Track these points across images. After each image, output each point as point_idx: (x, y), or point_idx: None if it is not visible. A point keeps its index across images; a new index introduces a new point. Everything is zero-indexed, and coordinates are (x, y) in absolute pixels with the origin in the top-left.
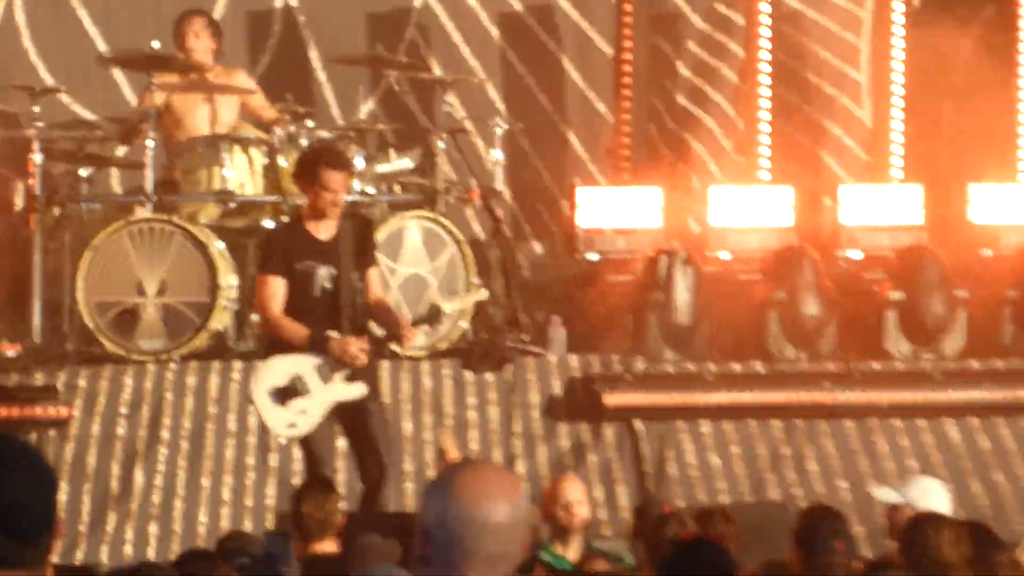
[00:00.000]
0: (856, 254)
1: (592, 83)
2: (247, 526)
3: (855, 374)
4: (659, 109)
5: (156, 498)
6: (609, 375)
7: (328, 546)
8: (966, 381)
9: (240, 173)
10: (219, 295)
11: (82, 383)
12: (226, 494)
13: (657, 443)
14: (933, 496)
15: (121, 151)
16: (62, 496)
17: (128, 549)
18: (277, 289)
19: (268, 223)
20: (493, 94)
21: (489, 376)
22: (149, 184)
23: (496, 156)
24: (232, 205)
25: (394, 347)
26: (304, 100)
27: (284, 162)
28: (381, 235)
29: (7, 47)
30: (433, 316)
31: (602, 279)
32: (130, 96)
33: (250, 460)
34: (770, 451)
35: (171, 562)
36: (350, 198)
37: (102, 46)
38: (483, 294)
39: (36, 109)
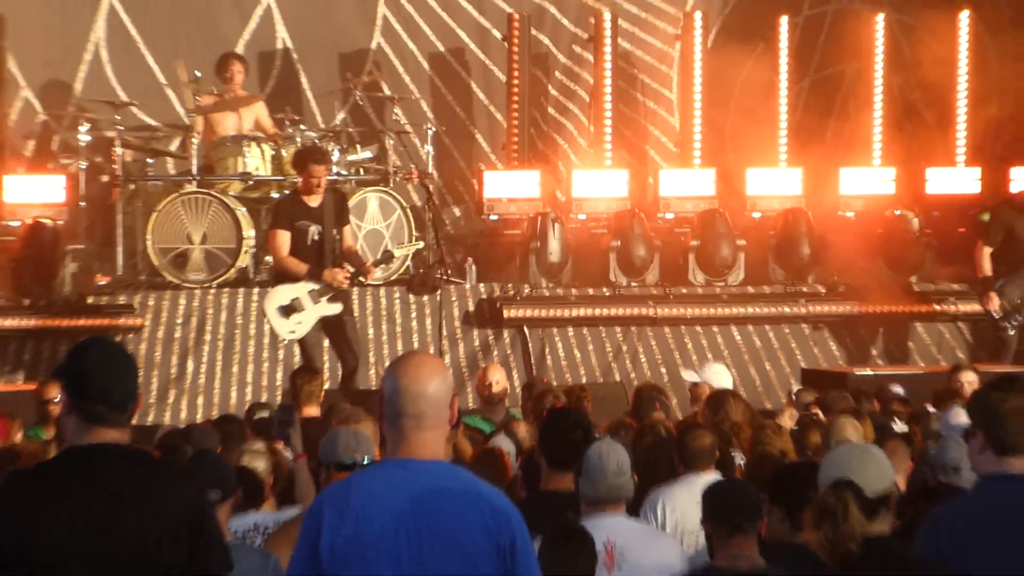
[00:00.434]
0: (670, 216)
1: (492, 100)
2: (264, 398)
3: (670, 296)
4: (537, 117)
5: (201, 380)
6: (506, 297)
7: (313, 411)
8: (744, 301)
9: (256, 161)
10: (243, 243)
11: (150, 302)
12: (249, 377)
13: (539, 342)
14: (722, 377)
15: (174, 146)
16: (139, 379)
17: (182, 415)
18: (284, 239)
19: (275, 195)
20: (425, 107)
21: (425, 298)
22: (194, 168)
23: (428, 149)
24: (251, 183)
25: (361, 279)
26: (297, 111)
27: (285, 154)
28: (351, 203)
29: (96, 75)
30: (386, 258)
31: (500, 233)
32: (179, 107)
33: (265, 354)
34: (613, 348)
35: (211, 421)
36: (331, 178)
37: (160, 74)
38: (420, 244)
39: (117, 117)
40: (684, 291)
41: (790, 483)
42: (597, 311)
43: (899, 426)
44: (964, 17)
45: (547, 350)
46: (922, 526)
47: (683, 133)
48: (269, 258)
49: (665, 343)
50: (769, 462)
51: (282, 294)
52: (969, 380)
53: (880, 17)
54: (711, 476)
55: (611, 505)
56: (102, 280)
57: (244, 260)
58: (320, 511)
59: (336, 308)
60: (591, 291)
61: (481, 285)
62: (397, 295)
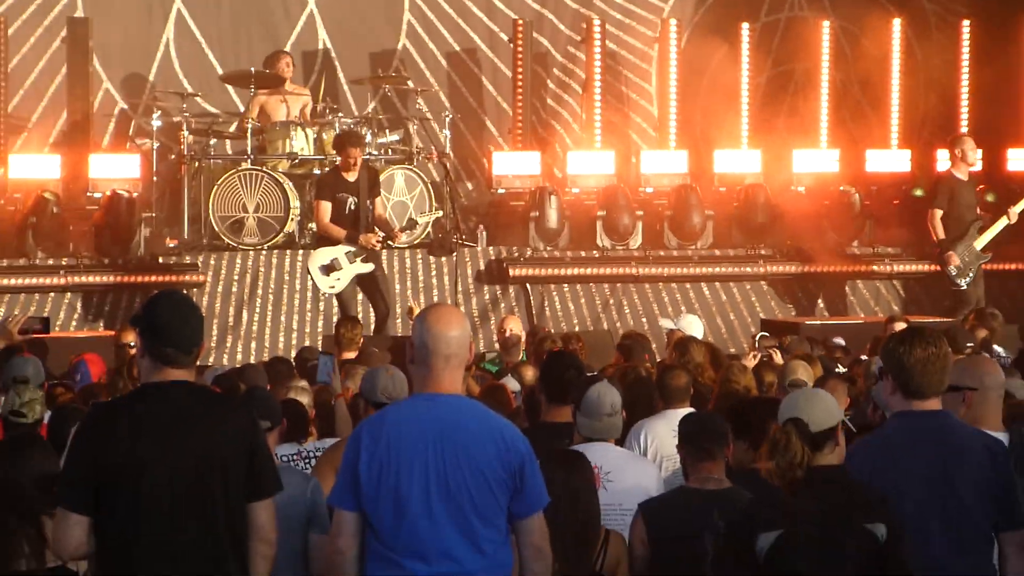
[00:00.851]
0: (650, 190)
1: (499, 92)
2: (307, 343)
3: (650, 258)
4: (537, 106)
5: (254, 328)
6: (511, 258)
7: (351, 355)
8: (712, 262)
9: (301, 143)
10: (290, 212)
11: (211, 262)
12: (295, 325)
13: (539, 297)
14: (694, 326)
15: (231, 129)
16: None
17: (238, 357)
18: (326, 209)
19: (317, 172)
20: (443, 98)
21: (443, 259)
22: (249, 148)
23: (446, 134)
24: (297, 161)
25: (389, 243)
26: (335, 101)
27: (326, 137)
28: (382, 178)
29: (166, 69)
30: (411, 225)
31: (506, 204)
32: (236, 98)
33: (308, 306)
34: (602, 302)
35: (262, 363)
36: (364, 157)
37: (219, 68)
38: (439, 213)
39: (184, 105)
40: (661, 253)
41: (750, 417)
42: (588, 270)
43: (840, 370)
44: (896, 24)
45: (546, 303)
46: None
47: (660, 120)
48: (312, 225)
49: (646, 297)
50: (735, 397)
51: (323, 255)
52: (901, 329)
53: (826, 24)
54: (687, 410)
55: (602, 441)
56: (171, 243)
57: (291, 226)
58: (360, 437)
59: (369, 267)
60: (583, 253)
61: (490, 248)
62: (419, 256)
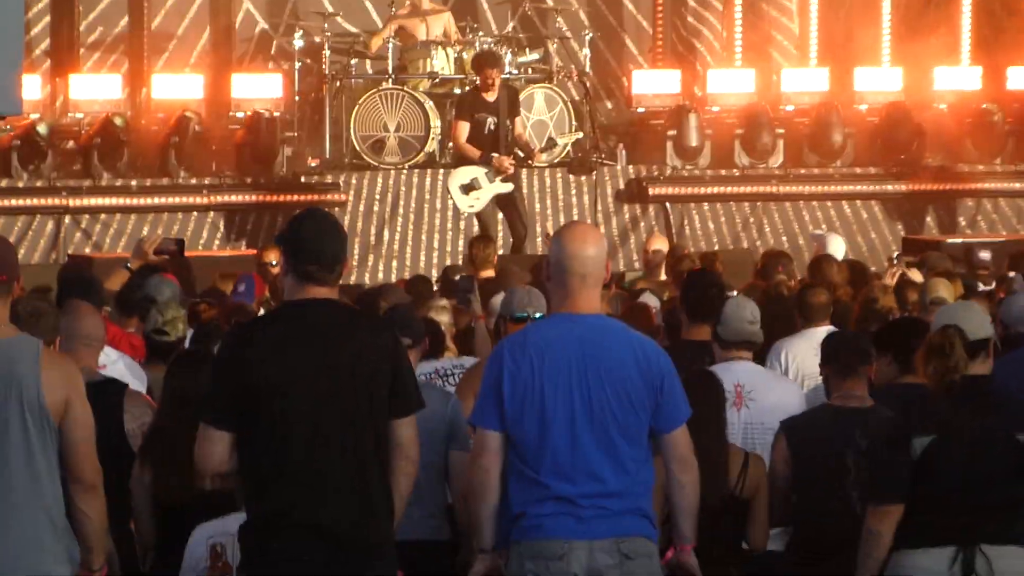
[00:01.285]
0: (790, 107)
1: (639, 9)
2: (447, 262)
3: (790, 176)
4: (678, 25)
5: (395, 247)
6: (651, 177)
7: (488, 273)
8: (852, 180)
9: (442, 63)
10: (430, 132)
11: (353, 181)
12: (436, 244)
13: (679, 215)
14: (837, 244)
15: (373, 49)
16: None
17: (379, 276)
18: (463, 129)
19: (457, 91)
20: (583, 16)
21: (583, 179)
22: (390, 68)
23: (585, 52)
24: (437, 80)
25: (528, 162)
26: (476, 20)
27: (466, 56)
28: (521, 97)
29: None
30: (550, 145)
31: (646, 123)
32: (377, 17)
33: (449, 225)
34: (742, 220)
35: (403, 281)
36: (504, 76)
37: None
38: (579, 133)
39: (325, 25)
40: (802, 172)
41: (893, 335)
42: (728, 189)
43: (983, 287)
44: None
45: (686, 222)
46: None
47: (801, 38)
48: (452, 144)
49: (786, 216)
50: (877, 315)
51: (463, 174)
52: None
53: None
54: (827, 328)
55: (743, 349)
56: (313, 162)
57: (431, 146)
58: (501, 356)
59: (508, 186)
60: (723, 172)
61: (630, 167)
62: (559, 176)
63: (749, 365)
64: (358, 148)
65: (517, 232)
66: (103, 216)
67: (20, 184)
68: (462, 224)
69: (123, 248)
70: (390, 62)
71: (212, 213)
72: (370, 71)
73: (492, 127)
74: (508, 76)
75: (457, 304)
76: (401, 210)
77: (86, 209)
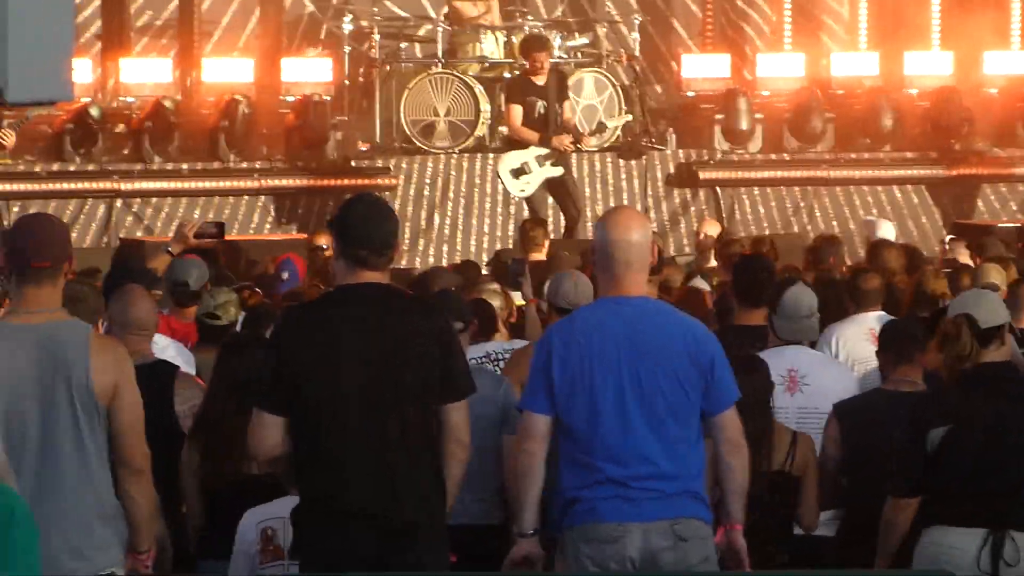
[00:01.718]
0: (840, 91)
1: None
2: (498, 247)
3: (841, 160)
4: (727, 8)
5: (446, 231)
6: (701, 161)
7: (538, 255)
8: (904, 164)
9: (491, 47)
10: (480, 116)
11: (403, 165)
12: (486, 228)
13: (729, 200)
14: (888, 230)
15: (422, 32)
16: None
17: (430, 260)
18: (517, 112)
19: (507, 75)
20: (632, 1)
21: (633, 163)
22: (440, 52)
23: (635, 36)
24: (487, 65)
25: (577, 147)
26: (524, 4)
27: (515, 40)
28: (570, 82)
29: None
30: (600, 129)
31: (696, 107)
32: (425, 1)
33: (499, 209)
34: (792, 205)
35: (453, 266)
36: (553, 60)
37: None
38: (628, 117)
39: (375, 9)
40: (853, 156)
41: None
42: (778, 173)
43: None
44: None
45: (736, 207)
46: None
47: (851, 22)
48: (503, 128)
49: (837, 200)
50: (929, 301)
51: (513, 158)
52: None
53: None
54: (878, 314)
55: (798, 340)
56: (363, 146)
57: (481, 130)
58: (550, 341)
59: (559, 170)
60: (773, 156)
61: (680, 151)
62: (609, 160)
63: (803, 350)
64: (408, 132)
65: (570, 215)
66: (154, 200)
67: (72, 168)
68: (512, 208)
69: (174, 232)
70: (439, 46)
71: (263, 197)
72: (419, 55)
73: (542, 111)
74: (557, 60)
75: (507, 287)
76: (451, 194)
77: (137, 193)
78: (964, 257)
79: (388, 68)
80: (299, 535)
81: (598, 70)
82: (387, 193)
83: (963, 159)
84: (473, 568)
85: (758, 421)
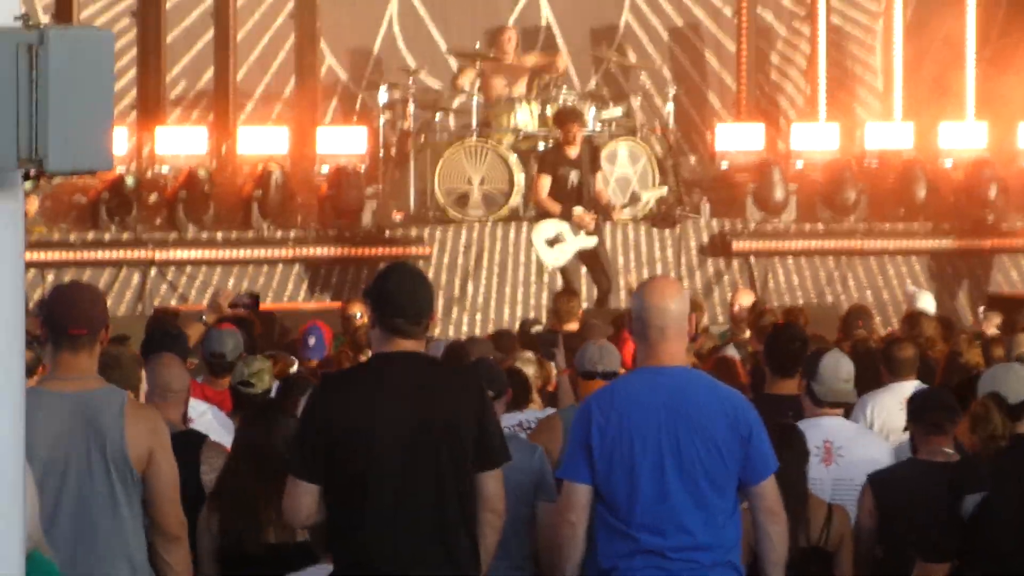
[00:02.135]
0: (874, 161)
1: (723, 66)
2: (531, 315)
3: (875, 231)
4: (760, 81)
5: (480, 299)
6: (735, 231)
7: (572, 327)
8: (938, 234)
9: (526, 118)
10: (514, 186)
11: (437, 234)
12: (520, 298)
13: (762, 270)
14: (926, 300)
15: (456, 104)
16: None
17: (464, 329)
18: (545, 183)
19: (541, 145)
20: (666, 72)
21: (667, 232)
22: (474, 122)
23: (669, 107)
24: (521, 136)
25: (610, 219)
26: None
27: (549, 111)
28: (604, 153)
29: (389, 46)
30: (634, 199)
31: (730, 177)
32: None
33: (532, 278)
34: (826, 275)
35: (489, 335)
36: (587, 133)
37: (442, 43)
38: (664, 189)
39: (410, 81)
40: (887, 226)
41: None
42: (812, 243)
43: None
44: None
45: (770, 276)
46: None
47: (885, 93)
48: (533, 198)
49: (870, 270)
50: (963, 371)
51: (547, 227)
52: None
53: None
54: (913, 383)
55: (834, 407)
56: (397, 216)
57: (515, 200)
58: (589, 411)
59: (593, 240)
60: (807, 226)
61: (714, 221)
62: (643, 229)
63: (839, 421)
64: (442, 202)
65: (601, 286)
66: (189, 268)
67: (107, 236)
68: (546, 278)
69: (208, 300)
70: (474, 117)
71: (297, 266)
72: (453, 126)
73: (575, 182)
74: (592, 132)
75: (541, 357)
76: (485, 263)
77: (172, 262)
78: (996, 328)
79: (423, 138)
80: None
81: (633, 140)
82: (421, 262)
83: (997, 230)
84: None
85: (794, 493)
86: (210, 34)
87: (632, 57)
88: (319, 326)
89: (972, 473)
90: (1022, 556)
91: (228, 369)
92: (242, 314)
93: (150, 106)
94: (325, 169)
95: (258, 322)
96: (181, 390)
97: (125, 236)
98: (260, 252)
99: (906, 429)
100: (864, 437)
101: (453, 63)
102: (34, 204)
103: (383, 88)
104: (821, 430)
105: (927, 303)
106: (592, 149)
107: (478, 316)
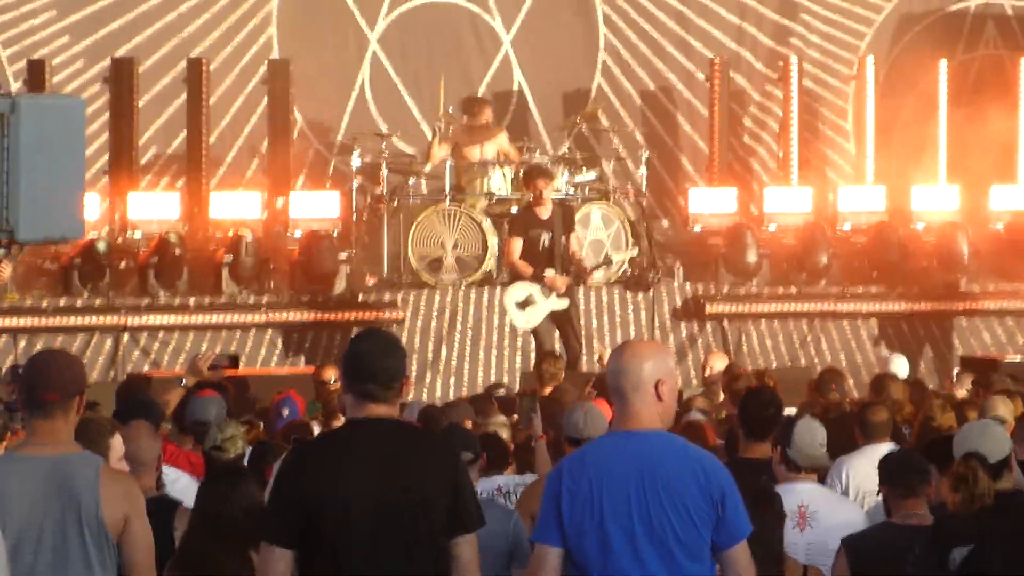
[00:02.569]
0: (847, 226)
1: (695, 130)
2: (505, 379)
3: (847, 294)
4: (733, 144)
5: (453, 363)
6: (708, 295)
7: (548, 390)
8: (911, 298)
9: (499, 182)
10: (487, 250)
11: (411, 298)
12: (493, 361)
13: (736, 333)
14: (900, 365)
15: (428, 169)
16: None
17: (438, 393)
18: (516, 246)
19: (514, 209)
20: (638, 136)
21: (640, 295)
22: (447, 187)
23: (642, 171)
24: (494, 200)
25: (584, 281)
26: (531, 141)
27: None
28: (577, 216)
29: (362, 112)
30: (607, 262)
31: (703, 241)
32: (431, 137)
33: (506, 341)
34: (799, 338)
35: (465, 399)
36: (560, 196)
37: (414, 108)
38: (635, 251)
39: (383, 145)
40: (860, 290)
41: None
42: (785, 307)
43: None
44: None
45: (743, 340)
46: None
47: (858, 157)
48: (504, 261)
49: (844, 334)
50: (935, 433)
51: (518, 290)
52: None
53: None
54: (887, 446)
55: (809, 472)
56: (371, 280)
57: (489, 264)
58: (561, 474)
59: (564, 303)
60: (780, 290)
61: (687, 284)
62: (616, 293)
63: (813, 486)
64: (415, 267)
65: (572, 349)
66: (161, 334)
67: (79, 303)
68: (519, 341)
69: (181, 365)
70: (447, 181)
71: (270, 331)
72: (426, 190)
73: (547, 243)
74: (565, 196)
75: (520, 423)
76: (459, 327)
77: (144, 327)
78: (965, 391)
79: (396, 203)
80: None
81: (605, 204)
82: (394, 326)
83: (969, 294)
84: None
85: (771, 554)
86: (182, 98)
87: (604, 121)
88: (292, 397)
89: (956, 528)
90: None
91: None
92: (221, 376)
93: (122, 171)
94: (298, 234)
95: (231, 388)
96: (150, 458)
97: (98, 302)
98: (233, 317)
99: (879, 492)
100: (838, 503)
101: (425, 129)
102: (6, 271)
103: (356, 152)
104: (795, 495)
105: (900, 367)
106: (565, 211)
107: (452, 380)
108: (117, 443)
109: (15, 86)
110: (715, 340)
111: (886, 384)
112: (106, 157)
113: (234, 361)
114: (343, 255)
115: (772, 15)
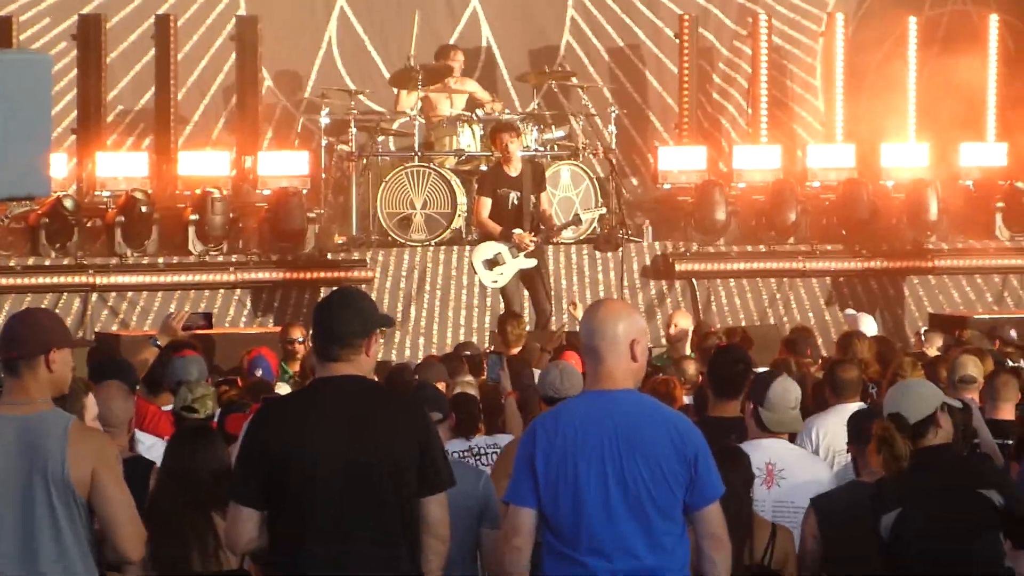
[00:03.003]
0: (816, 184)
1: (664, 87)
2: (474, 339)
3: (816, 252)
4: (703, 101)
5: (423, 323)
6: (677, 253)
7: (517, 350)
8: (880, 256)
9: (468, 139)
10: (456, 208)
11: (379, 258)
12: (462, 320)
13: (705, 292)
14: (868, 324)
15: (396, 126)
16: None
17: (406, 353)
18: (485, 204)
19: (483, 167)
20: (607, 94)
21: (609, 255)
22: (416, 145)
23: (611, 129)
24: (463, 158)
25: (552, 240)
26: (501, 97)
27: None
28: (547, 174)
29: (329, 69)
30: (576, 221)
31: (672, 199)
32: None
33: (475, 301)
34: (768, 296)
35: (437, 358)
36: (529, 154)
37: (382, 65)
38: (604, 209)
39: (352, 103)
40: (828, 247)
41: None
42: (754, 265)
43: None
44: None
45: (712, 298)
46: None
47: (827, 114)
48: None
49: (813, 292)
50: None
51: (487, 249)
52: None
53: (993, 18)
54: (857, 404)
55: (780, 435)
56: (339, 239)
57: (458, 222)
58: (535, 434)
59: (532, 262)
60: (749, 248)
61: (656, 243)
62: (585, 252)
63: (781, 443)
64: (385, 225)
65: (542, 309)
66: (130, 294)
67: (47, 262)
68: (489, 301)
69: (150, 325)
70: (416, 139)
71: (238, 290)
72: (395, 148)
73: (515, 202)
74: (534, 153)
75: (488, 381)
76: (428, 286)
77: (113, 287)
78: (936, 349)
79: (364, 161)
80: None
81: (574, 163)
82: (364, 285)
83: (938, 251)
84: None
85: (739, 514)
86: (150, 55)
87: (574, 79)
88: (265, 356)
89: (887, 492)
90: (934, 571)
91: None
92: (195, 335)
93: (90, 128)
94: (267, 192)
95: (200, 347)
96: (122, 419)
97: (66, 261)
98: (201, 277)
99: (848, 451)
100: (805, 460)
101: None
102: None
103: (324, 111)
104: (763, 452)
105: (868, 326)
106: (535, 169)
107: (421, 339)
108: (91, 403)
109: None
110: (684, 299)
111: (853, 342)
112: (74, 115)
113: (208, 319)
114: (311, 214)
115: None
